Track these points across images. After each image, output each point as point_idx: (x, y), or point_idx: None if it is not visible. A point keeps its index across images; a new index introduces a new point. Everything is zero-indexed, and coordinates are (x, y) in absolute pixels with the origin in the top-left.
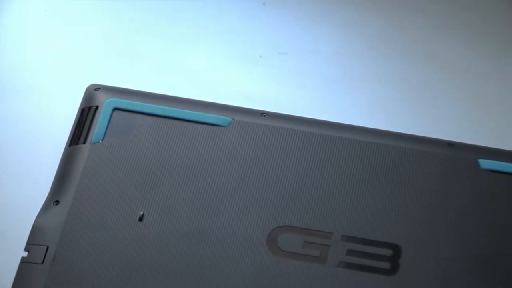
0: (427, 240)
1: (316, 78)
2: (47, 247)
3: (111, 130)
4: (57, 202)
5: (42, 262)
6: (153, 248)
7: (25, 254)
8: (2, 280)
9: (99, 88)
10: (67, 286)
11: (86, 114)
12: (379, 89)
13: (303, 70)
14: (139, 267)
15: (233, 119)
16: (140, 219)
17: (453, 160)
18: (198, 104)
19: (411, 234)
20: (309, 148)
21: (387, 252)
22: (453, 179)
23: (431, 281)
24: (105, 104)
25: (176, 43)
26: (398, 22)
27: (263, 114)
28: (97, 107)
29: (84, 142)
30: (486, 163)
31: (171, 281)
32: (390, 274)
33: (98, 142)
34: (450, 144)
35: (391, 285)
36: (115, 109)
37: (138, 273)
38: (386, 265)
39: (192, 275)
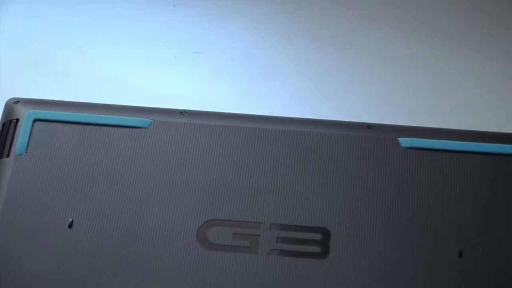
0: (354, 221)
1: (232, 74)
2: None
3: (34, 141)
4: None
5: None
6: (85, 253)
7: None
8: None
9: (18, 101)
10: None
11: (8, 127)
12: (295, 80)
13: (219, 67)
14: (72, 273)
15: (153, 120)
16: (70, 226)
17: (373, 141)
18: (117, 109)
19: (338, 217)
20: (231, 142)
21: (316, 236)
22: (375, 159)
23: (362, 261)
24: (26, 116)
25: (91, 51)
26: (309, 15)
27: (182, 112)
28: (17, 120)
29: (7, 156)
30: (406, 141)
31: (104, 284)
32: (321, 258)
33: (22, 154)
34: (369, 126)
35: (323, 268)
36: (36, 120)
37: (71, 279)
38: (316, 249)
39: (125, 277)
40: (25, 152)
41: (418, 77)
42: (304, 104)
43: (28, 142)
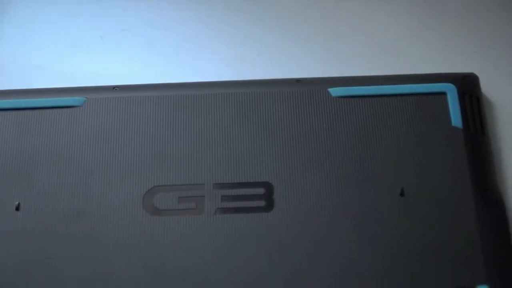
0: (295, 173)
1: (160, 47)
2: None
3: None
4: None
5: None
6: (34, 234)
7: None
8: None
9: None
10: None
11: None
12: (222, 47)
13: (146, 43)
14: (22, 256)
15: (86, 97)
16: (17, 208)
17: (305, 94)
18: (50, 91)
19: (279, 170)
20: (164, 110)
21: (260, 191)
22: (309, 111)
23: (306, 211)
24: None
25: (16, 37)
26: None
27: (114, 88)
28: None
29: None
30: (336, 91)
31: (56, 263)
32: (267, 211)
33: None
34: (298, 80)
35: (269, 220)
36: None
37: (23, 261)
38: (261, 203)
39: (76, 252)
40: None
41: (342, 28)
42: (234, 68)
43: None
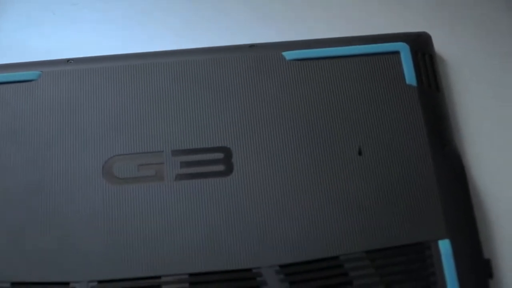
0: (253, 137)
1: (112, 19)
2: None
3: None
4: None
5: None
6: None
7: None
8: None
9: None
10: None
11: None
12: (176, 15)
13: (98, 15)
14: None
15: (41, 71)
16: None
17: (259, 58)
18: (5, 67)
19: (237, 134)
20: (120, 80)
21: (219, 155)
22: (264, 75)
23: (265, 173)
24: None
25: None
26: None
27: (68, 60)
28: None
29: None
30: (290, 54)
31: (17, 236)
32: (226, 175)
33: None
34: (252, 46)
35: (229, 185)
36: None
37: None
38: (220, 167)
39: (38, 226)
40: None
41: None
42: (188, 37)
43: None
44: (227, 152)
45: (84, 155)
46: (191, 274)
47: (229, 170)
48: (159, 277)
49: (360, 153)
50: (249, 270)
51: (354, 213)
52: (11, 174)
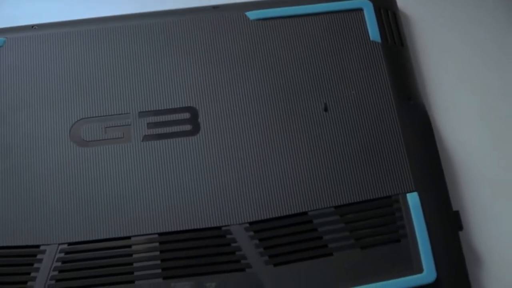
0: (218, 97)
1: None
2: None
3: None
4: None
5: None
6: None
7: None
8: None
9: None
10: None
11: None
12: None
13: None
14: None
15: (6, 37)
16: None
17: (223, 19)
18: None
19: (202, 95)
20: (85, 45)
21: (185, 115)
22: (228, 35)
23: (231, 132)
24: None
25: None
26: None
27: (33, 26)
28: None
29: None
30: (253, 14)
31: None
32: (193, 134)
33: None
34: (215, 7)
35: (196, 144)
36: None
37: None
38: (187, 127)
39: (6, 189)
40: None
41: None
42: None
43: None
44: (193, 112)
45: (51, 118)
46: (160, 234)
47: (196, 130)
48: (129, 237)
49: (326, 109)
50: (219, 228)
51: (322, 169)
52: None
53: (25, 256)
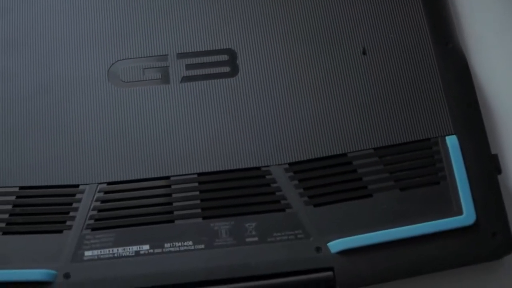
0: (258, 38)
1: None
2: None
3: None
4: None
5: None
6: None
7: None
8: None
9: None
10: None
11: None
12: None
13: None
14: None
15: None
16: None
17: None
18: None
19: (241, 37)
20: None
21: (224, 57)
22: None
23: (271, 74)
24: None
25: None
26: None
27: None
28: None
29: None
30: None
31: (24, 140)
32: (232, 76)
33: None
34: None
35: (234, 86)
36: None
37: None
38: (226, 69)
39: (44, 129)
40: None
41: None
42: None
43: None
44: (232, 54)
45: (90, 59)
46: (200, 174)
47: (234, 72)
48: (168, 177)
49: (364, 52)
50: (258, 168)
51: (361, 111)
52: (16, 80)
53: (64, 196)
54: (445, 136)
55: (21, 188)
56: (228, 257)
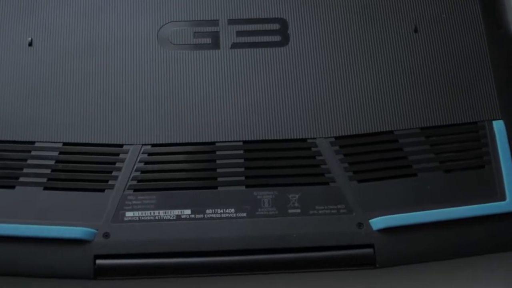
0: (309, 9)
1: None
2: None
3: None
4: None
5: None
6: (47, 68)
7: None
8: None
9: None
10: None
11: None
12: None
13: None
14: (36, 88)
15: None
16: (30, 44)
17: None
18: None
19: (293, 6)
20: None
21: (275, 26)
22: None
23: (321, 46)
24: None
25: None
26: None
27: None
28: None
29: None
30: None
31: (69, 95)
32: (282, 45)
33: None
34: None
35: (284, 55)
36: None
37: (37, 96)
38: (277, 38)
39: (89, 86)
40: None
41: None
42: None
43: None
44: (283, 23)
45: (140, 19)
46: (245, 142)
47: (285, 41)
48: (213, 143)
49: (416, 30)
50: (304, 140)
51: (410, 90)
52: (64, 34)
53: (107, 155)
54: (492, 120)
55: (65, 144)
56: (270, 227)
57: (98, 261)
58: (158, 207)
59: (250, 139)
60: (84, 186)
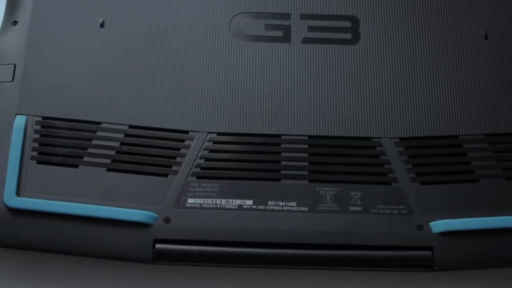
0: (381, 9)
1: None
2: (15, 65)
3: None
4: (15, 23)
5: (13, 80)
6: (118, 50)
7: None
8: None
9: None
10: (40, 99)
11: None
12: None
13: None
14: (106, 72)
15: None
16: (102, 25)
17: None
18: None
19: (366, 5)
20: None
21: (346, 24)
22: None
23: (391, 47)
24: None
25: None
26: None
27: None
28: None
29: None
30: None
31: (137, 78)
32: (352, 44)
33: None
34: None
35: (354, 53)
36: None
37: (106, 77)
38: (347, 35)
39: (157, 71)
40: None
41: None
42: None
43: None
44: (355, 21)
45: (212, 7)
46: (311, 136)
47: (356, 39)
48: (279, 135)
49: (486, 37)
50: (369, 138)
51: (477, 96)
52: (136, 17)
53: (173, 140)
54: None
55: (131, 126)
56: (331, 223)
57: (158, 246)
58: (220, 195)
59: (315, 134)
60: (147, 170)
